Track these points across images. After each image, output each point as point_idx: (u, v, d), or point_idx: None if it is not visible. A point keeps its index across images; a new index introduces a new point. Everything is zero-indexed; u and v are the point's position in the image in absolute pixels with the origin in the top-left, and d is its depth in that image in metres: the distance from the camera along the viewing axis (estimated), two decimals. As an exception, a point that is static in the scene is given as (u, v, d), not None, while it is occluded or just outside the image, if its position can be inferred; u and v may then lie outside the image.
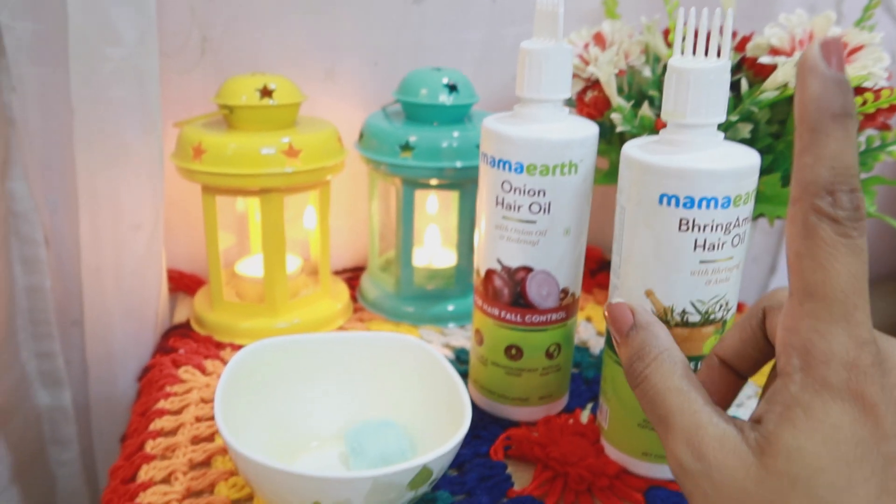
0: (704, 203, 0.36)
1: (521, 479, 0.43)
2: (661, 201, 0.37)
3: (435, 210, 0.67)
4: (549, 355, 0.46)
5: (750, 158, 0.37)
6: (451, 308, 0.61)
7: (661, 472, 0.42)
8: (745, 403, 0.51)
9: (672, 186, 0.36)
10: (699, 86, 0.36)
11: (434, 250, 0.66)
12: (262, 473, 0.33)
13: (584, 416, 0.49)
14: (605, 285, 0.69)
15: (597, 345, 0.59)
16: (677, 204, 0.36)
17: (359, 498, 0.33)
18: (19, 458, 0.59)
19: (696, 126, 0.37)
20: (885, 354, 0.25)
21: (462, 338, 0.58)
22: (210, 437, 0.45)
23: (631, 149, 0.39)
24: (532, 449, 0.44)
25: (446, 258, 0.65)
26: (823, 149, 0.24)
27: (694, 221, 0.36)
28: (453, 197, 0.65)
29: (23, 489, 0.60)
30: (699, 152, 0.37)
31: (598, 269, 0.72)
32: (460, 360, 0.55)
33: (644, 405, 0.29)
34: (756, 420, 0.26)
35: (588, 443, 0.44)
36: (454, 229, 0.66)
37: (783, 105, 0.54)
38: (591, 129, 0.42)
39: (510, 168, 0.41)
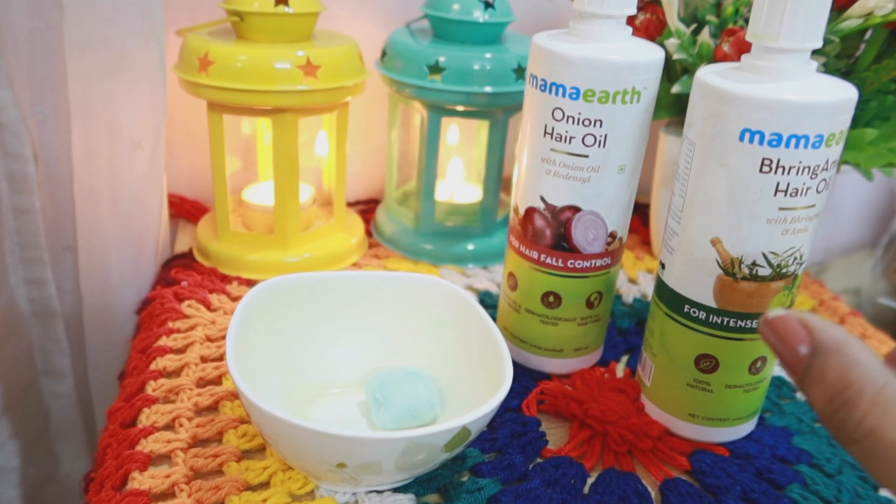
0: (794, 141, 0.31)
1: (554, 436, 0.39)
2: (741, 137, 0.32)
3: (456, 140, 0.62)
4: (589, 304, 0.42)
5: (846, 92, 0.32)
6: (471, 247, 0.57)
7: (708, 434, 0.39)
8: None
9: (757, 120, 0.32)
10: (798, 1, 0.30)
11: (456, 184, 0.61)
12: (282, 429, 0.29)
13: (619, 369, 0.45)
14: (634, 229, 0.65)
15: (628, 292, 0.55)
16: (761, 141, 0.32)
17: (389, 459, 0.29)
18: (11, 388, 0.56)
19: (789, 51, 0.32)
20: None
21: (486, 279, 0.54)
22: (217, 380, 0.41)
23: (708, 75, 0.34)
24: (568, 405, 0.40)
25: (469, 193, 0.60)
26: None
27: (779, 162, 0.32)
28: (480, 126, 0.60)
29: (15, 420, 0.57)
30: (790, 82, 0.32)
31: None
32: (484, 304, 0.51)
33: (873, 466, 0.22)
34: None
35: (628, 400, 0.41)
36: (479, 162, 0.61)
37: (854, 38, 0.49)
38: (656, 53, 0.37)
39: (564, 93, 0.36)
